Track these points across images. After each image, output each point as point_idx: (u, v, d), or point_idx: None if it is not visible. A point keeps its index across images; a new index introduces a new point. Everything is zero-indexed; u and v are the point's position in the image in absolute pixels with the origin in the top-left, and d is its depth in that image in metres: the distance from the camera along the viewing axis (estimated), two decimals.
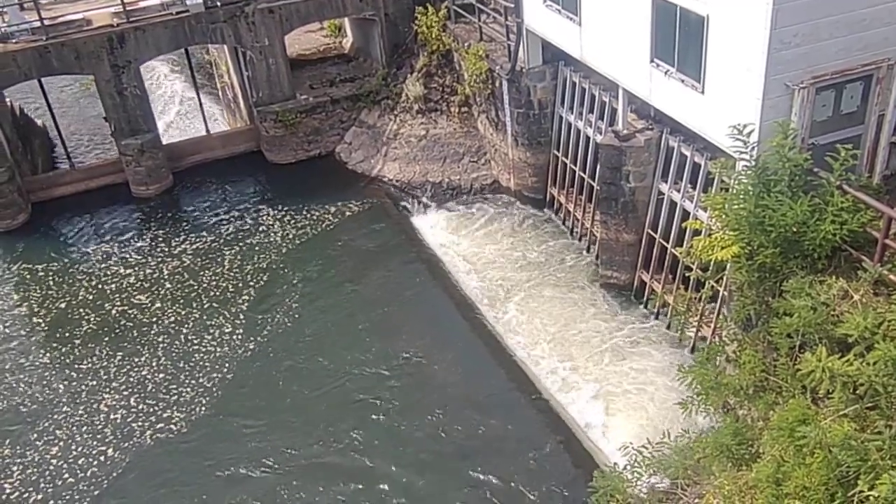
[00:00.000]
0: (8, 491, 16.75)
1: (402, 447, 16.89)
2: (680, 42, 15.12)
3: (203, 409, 18.32)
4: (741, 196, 12.79)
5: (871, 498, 9.25)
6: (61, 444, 17.69)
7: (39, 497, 16.52)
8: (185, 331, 20.53)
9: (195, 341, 20.18)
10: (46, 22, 23.89)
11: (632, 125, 18.66)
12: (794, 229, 12.03)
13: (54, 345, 20.40)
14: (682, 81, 15.34)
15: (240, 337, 20.19)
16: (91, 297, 21.85)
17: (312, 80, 28.19)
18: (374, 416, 17.62)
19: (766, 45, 12.93)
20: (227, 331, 20.41)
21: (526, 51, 21.54)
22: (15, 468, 17.20)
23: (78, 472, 17.04)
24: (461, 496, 15.75)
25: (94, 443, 17.67)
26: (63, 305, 21.59)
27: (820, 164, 12.76)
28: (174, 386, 18.95)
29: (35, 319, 21.29)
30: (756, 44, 13.11)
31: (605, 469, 14.30)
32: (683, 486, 13.14)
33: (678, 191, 17.96)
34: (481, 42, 23.67)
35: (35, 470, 17.11)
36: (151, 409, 18.38)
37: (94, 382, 19.21)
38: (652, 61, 16.11)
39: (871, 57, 13.63)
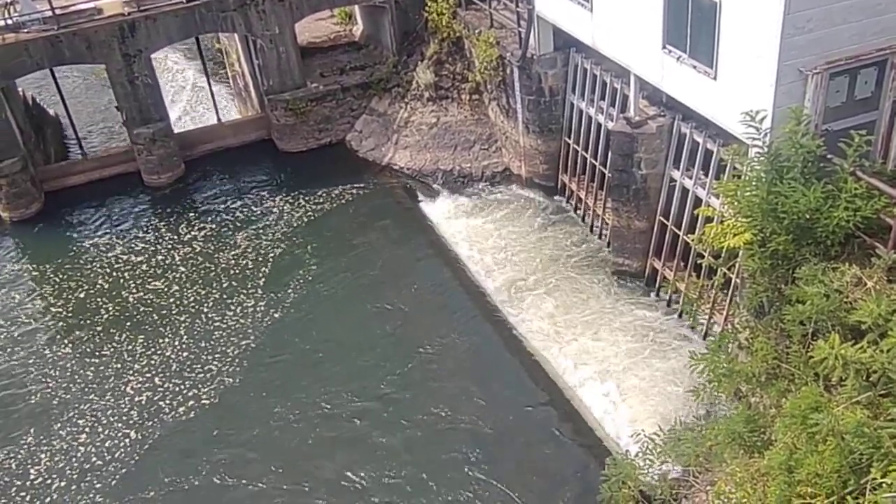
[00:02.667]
0: (32, 476, 16.93)
1: (409, 424, 17.19)
2: (692, 28, 15.02)
3: (231, 379, 18.75)
4: (754, 183, 12.72)
5: (883, 485, 9.23)
6: (88, 429, 17.85)
7: (63, 484, 16.68)
8: (205, 309, 20.86)
9: (216, 319, 20.53)
10: (58, 11, 23.94)
11: (643, 112, 18.57)
12: (807, 216, 11.97)
13: (77, 332, 20.55)
14: (695, 67, 15.26)
15: (261, 309, 20.64)
16: (108, 286, 22.00)
17: (323, 68, 28.15)
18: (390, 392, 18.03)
19: (780, 31, 12.84)
20: (248, 305, 20.83)
21: (537, 37, 21.44)
22: (43, 455, 17.34)
23: (105, 454, 17.25)
24: (471, 482, 15.81)
25: (120, 425, 17.89)
26: (82, 295, 21.72)
27: (833, 150, 12.68)
28: (198, 364, 19.23)
29: (53, 309, 21.44)
30: (769, 29, 13.02)
31: (618, 456, 14.34)
32: (695, 474, 13.17)
33: (690, 178, 17.89)
34: (492, 29, 23.57)
35: (63, 457, 17.25)
36: (178, 388, 18.66)
37: (119, 365, 19.45)
38: (664, 47, 16.02)
39: (885, 42, 13.51)
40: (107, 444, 17.45)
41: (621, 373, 17.63)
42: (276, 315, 20.36)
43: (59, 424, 18.03)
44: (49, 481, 16.78)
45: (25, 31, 23.85)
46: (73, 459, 17.18)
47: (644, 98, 18.71)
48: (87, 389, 18.86)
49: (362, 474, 16.20)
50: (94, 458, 17.17)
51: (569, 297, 19.95)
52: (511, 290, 20.49)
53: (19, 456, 17.41)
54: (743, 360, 13.27)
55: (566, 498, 15.36)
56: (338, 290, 21.03)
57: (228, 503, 16.05)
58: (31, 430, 17.96)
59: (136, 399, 18.50)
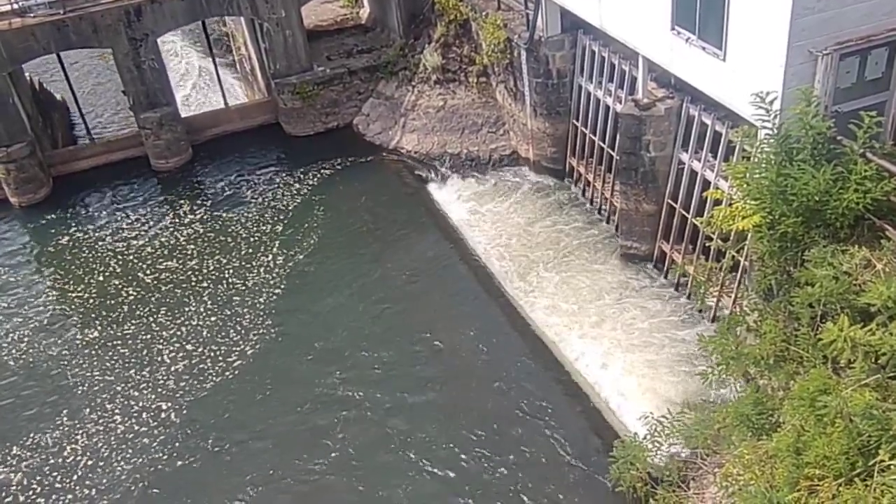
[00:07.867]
0: (65, 454, 17.11)
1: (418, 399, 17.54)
2: (701, 8, 14.90)
3: (263, 331, 19.60)
4: (763, 165, 12.66)
5: (891, 467, 9.24)
6: (122, 406, 18.06)
7: (96, 462, 16.92)
8: (226, 275, 21.45)
9: (237, 283, 21.17)
10: None
11: (652, 94, 18.48)
12: (817, 198, 11.91)
13: (104, 312, 20.72)
14: (704, 49, 15.15)
15: (280, 263, 21.60)
16: (121, 268, 22.13)
17: (330, 51, 28.11)
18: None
19: (790, 11, 12.73)
20: (268, 260, 21.76)
21: (544, 19, 21.32)
22: (79, 436, 17.48)
23: (151, 421, 17.61)
24: (479, 466, 15.89)
25: (154, 396, 18.21)
26: (101, 278, 21.84)
27: (843, 131, 12.59)
28: (228, 328, 19.74)
29: (72, 294, 21.50)
30: (779, 9, 12.91)
31: (626, 438, 14.39)
32: (703, 456, 13.21)
33: (699, 160, 17.80)
34: (499, 11, 23.46)
35: (102, 436, 17.45)
36: (212, 352, 19.12)
37: (148, 335, 19.77)
38: (673, 29, 15.91)
39: None
40: (144, 417, 17.69)
41: (628, 355, 17.65)
42: (300, 257, 21.61)
43: (90, 408, 18.11)
44: (98, 453, 17.07)
45: (32, 15, 23.83)
46: (112, 435, 17.44)
47: (652, 80, 18.60)
48: (126, 365, 19.07)
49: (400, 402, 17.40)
50: (137, 427, 17.53)
51: (576, 279, 19.94)
52: (517, 272, 20.49)
53: (55, 435, 17.57)
54: (751, 342, 13.25)
55: (575, 479, 15.43)
56: (351, 272, 21.26)
57: (290, 446, 16.71)
58: (64, 412, 18.04)
59: (173, 368, 18.80)
